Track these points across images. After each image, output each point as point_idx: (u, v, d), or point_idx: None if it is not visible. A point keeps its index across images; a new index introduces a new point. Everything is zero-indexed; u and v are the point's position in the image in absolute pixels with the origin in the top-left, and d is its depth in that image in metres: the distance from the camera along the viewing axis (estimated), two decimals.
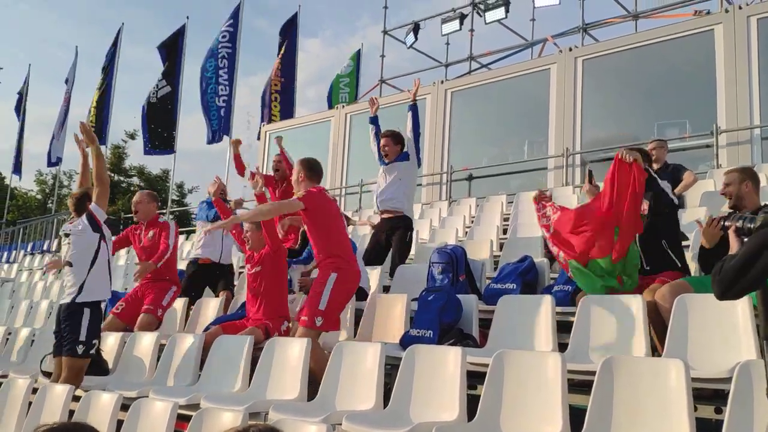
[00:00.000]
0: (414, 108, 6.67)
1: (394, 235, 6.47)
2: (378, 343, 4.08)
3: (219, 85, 17.49)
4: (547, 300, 4.29)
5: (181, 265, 7.31)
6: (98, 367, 5.49)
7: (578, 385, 3.67)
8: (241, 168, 7.53)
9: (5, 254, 16.53)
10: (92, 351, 4.94)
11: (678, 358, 3.03)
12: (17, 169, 23.78)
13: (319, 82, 60.70)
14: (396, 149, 6.59)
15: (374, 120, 6.92)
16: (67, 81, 22.47)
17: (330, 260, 4.84)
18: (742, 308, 3.50)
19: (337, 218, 5.04)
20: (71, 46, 51.30)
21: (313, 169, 5.15)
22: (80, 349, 4.82)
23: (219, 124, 17.31)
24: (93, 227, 4.98)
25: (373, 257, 6.52)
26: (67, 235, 5.13)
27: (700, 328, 3.60)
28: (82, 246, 5.01)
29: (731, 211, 4.19)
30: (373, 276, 6.07)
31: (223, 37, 17.59)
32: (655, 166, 6.45)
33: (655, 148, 6.85)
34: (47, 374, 5.39)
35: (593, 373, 3.18)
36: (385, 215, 6.58)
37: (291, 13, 19.04)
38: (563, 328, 4.34)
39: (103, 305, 5.13)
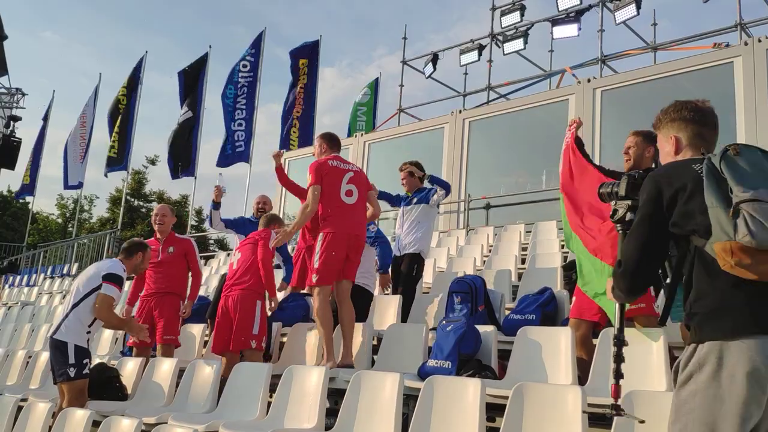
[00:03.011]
0: (433, 179, 6.85)
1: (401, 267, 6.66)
2: (396, 373, 4.08)
3: (236, 111, 17.76)
4: (566, 332, 4.27)
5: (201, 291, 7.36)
6: (118, 393, 5.54)
7: (598, 418, 3.64)
8: (284, 179, 7.59)
9: (26, 278, 16.69)
10: (85, 371, 4.98)
11: None
12: (27, 190, 23.84)
13: (335, 111, 61.37)
14: (418, 178, 6.81)
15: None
16: (89, 107, 22.83)
17: None
18: None
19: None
20: (94, 73, 52.20)
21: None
22: (72, 371, 4.88)
23: (232, 150, 17.54)
24: (106, 279, 5.01)
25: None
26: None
27: None
28: (85, 276, 5.12)
29: None
30: (392, 305, 6.10)
31: (244, 66, 17.91)
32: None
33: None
34: None
35: None
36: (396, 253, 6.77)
37: (311, 42, 19.23)
38: None
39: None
